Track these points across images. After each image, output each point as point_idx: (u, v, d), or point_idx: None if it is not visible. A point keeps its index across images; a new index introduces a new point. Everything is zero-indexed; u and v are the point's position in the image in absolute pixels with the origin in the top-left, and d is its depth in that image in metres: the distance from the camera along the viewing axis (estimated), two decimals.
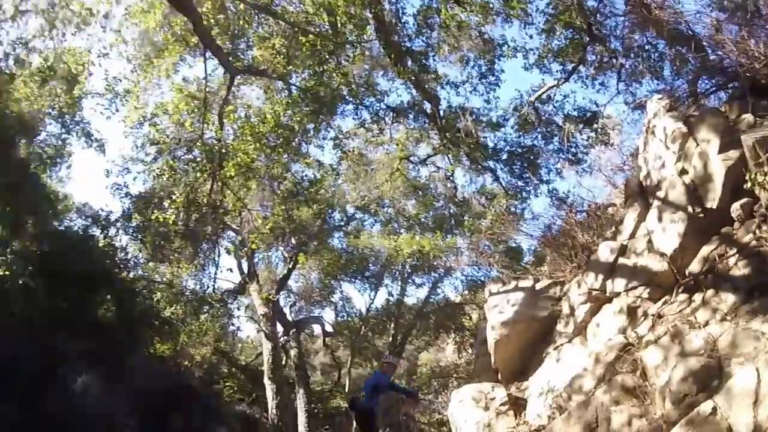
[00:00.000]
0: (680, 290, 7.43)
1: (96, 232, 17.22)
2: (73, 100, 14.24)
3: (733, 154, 7.49)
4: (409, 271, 25.10)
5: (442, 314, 25.90)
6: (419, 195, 22.97)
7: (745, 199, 7.32)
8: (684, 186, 8.00)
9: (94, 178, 62.00)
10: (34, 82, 13.23)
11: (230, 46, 13.44)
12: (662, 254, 8.02)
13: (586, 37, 15.54)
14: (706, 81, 9.65)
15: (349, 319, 26.39)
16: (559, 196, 18.32)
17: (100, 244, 16.28)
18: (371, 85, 18.03)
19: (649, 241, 8.40)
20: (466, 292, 25.93)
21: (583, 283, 9.38)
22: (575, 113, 17.55)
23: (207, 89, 12.52)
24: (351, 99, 16.61)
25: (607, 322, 8.65)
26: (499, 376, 10.64)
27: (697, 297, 7.13)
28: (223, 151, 12.46)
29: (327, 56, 13.65)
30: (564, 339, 9.71)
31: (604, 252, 9.23)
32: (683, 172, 8.21)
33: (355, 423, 13.36)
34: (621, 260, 8.80)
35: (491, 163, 19.46)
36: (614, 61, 16.05)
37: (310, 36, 12.88)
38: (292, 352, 23.75)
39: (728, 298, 6.68)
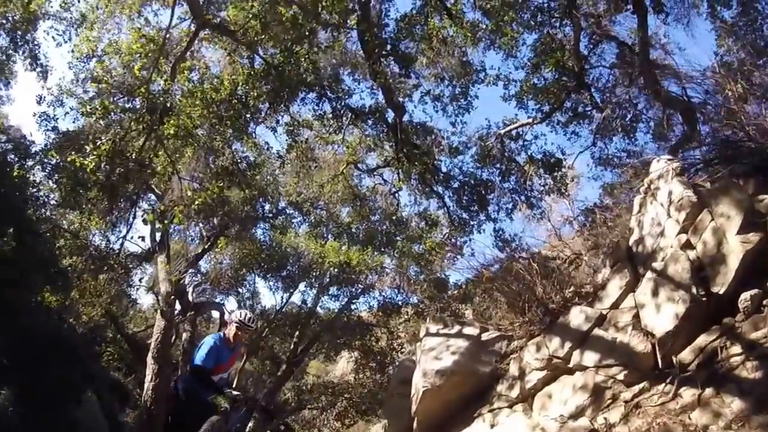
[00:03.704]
0: (668, 381, 6.44)
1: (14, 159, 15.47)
2: (29, 14, 13.12)
3: (753, 237, 6.59)
4: (329, 280, 23.70)
5: (349, 331, 24.49)
6: (357, 204, 21.73)
7: (755, 291, 6.41)
8: (689, 262, 7.01)
9: (31, 105, 58.49)
10: None
11: None
12: (649, 334, 7.02)
13: (574, 81, 14.91)
14: (713, 151, 8.92)
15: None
16: (504, 237, 17.60)
17: (14, 174, 14.48)
18: (336, 79, 16.88)
19: (636, 316, 7.37)
20: (380, 313, 24.80)
21: (543, 347, 8.32)
22: (540, 156, 16.93)
23: (168, 36, 11.08)
24: (315, 88, 15.38)
25: (563, 397, 7.60)
26: (415, 424, 9.55)
27: (687, 393, 6.16)
28: (168, 105, 10.93)
29: (304, 35, 12.46)
30: (503, 402, 8.65)
31: (577, 318, 8.14)
32: (688, 245, 7.29)
33: None
34: (597, 331, 7.74)
35: (441, 189, 18.55)
36: (593, 111, 15.60)
37: (293, 6, 11.62)
38: (185, 335, 22.01)
39: (734, 403, 5.70)
